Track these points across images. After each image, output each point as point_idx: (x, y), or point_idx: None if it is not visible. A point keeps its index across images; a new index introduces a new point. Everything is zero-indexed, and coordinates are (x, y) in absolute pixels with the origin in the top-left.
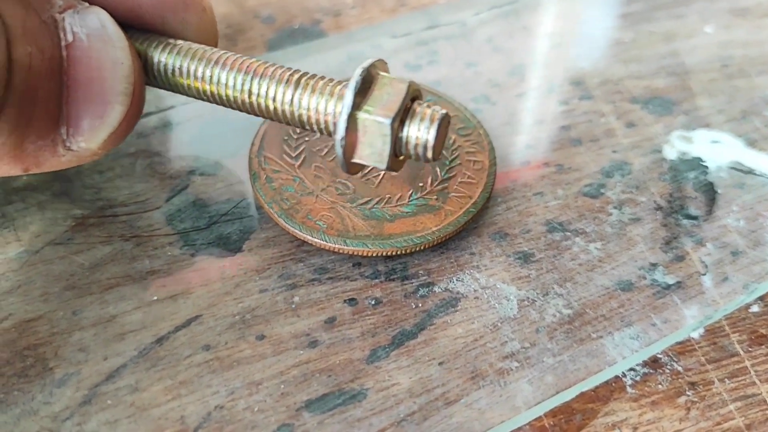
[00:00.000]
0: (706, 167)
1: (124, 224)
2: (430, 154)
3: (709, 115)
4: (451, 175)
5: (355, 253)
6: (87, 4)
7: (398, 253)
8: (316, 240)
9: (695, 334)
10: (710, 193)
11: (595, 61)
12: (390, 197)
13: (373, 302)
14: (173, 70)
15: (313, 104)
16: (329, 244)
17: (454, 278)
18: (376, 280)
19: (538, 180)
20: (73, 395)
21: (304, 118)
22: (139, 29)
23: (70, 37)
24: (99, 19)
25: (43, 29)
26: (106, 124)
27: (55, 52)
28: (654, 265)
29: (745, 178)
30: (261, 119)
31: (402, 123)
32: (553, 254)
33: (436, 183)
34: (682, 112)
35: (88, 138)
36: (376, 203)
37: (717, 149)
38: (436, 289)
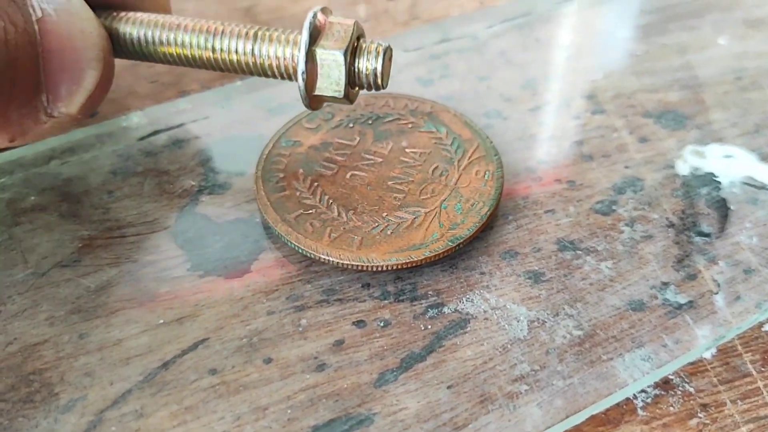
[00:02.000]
0: (719, 183)
1: (132, 245)
2: (380, 81)
3: (722, 129)
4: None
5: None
6: None
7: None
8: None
9: (707, 354)
10: (723, 209)
11: (608, 74)
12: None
13: (381, 324)
14: (139, 40)
15: (272, 52)
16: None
17: (464, 298)
18: (385, 301)
19: (549, 197)
20: (78, 421)
21: (266, 65)
22: (101, 6)
23: (39, 13)
24: None
25: (13, 6)
26: (82, 88)
27: (28, 26)
28: (666, 284)
29: (759, 194)
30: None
31: (353, 57)
32: (563, 273)
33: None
34: (695, 126)
35: (68, 103)
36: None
37: (730, 164)
38: (445, 310)
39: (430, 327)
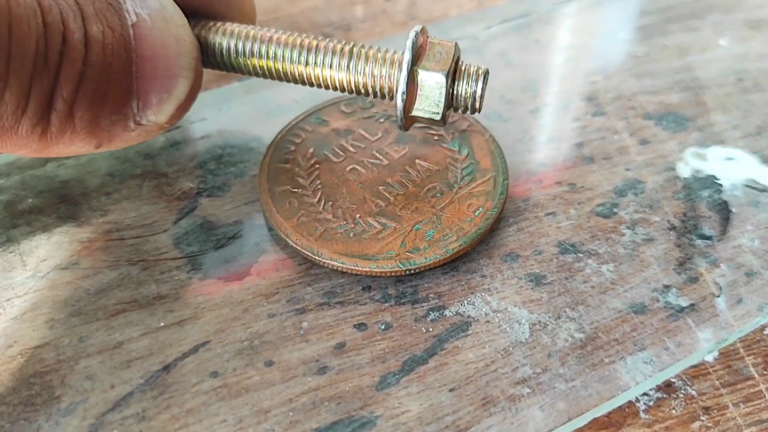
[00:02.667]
0: (721, 185)
1: (131, 248)
2: (478, 105)
3: (723, 131)
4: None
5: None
6: None
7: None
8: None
9: (709, 357)
10: (724, 212)
11: (609, 75)
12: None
13: (383, 327)
14: (230, 50)
15: (368, 70)
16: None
17: (465, 301)
18: (386, 304)
19: (550, 199)
20: (79, 425)
21: (360, 83)
22: (190, 15)
23: (134, 18)
24: (159, 0)
25: (110, 9)
26: (173, 97)
27: (124, 30)
28: (667, 287)
29: (760, 197)
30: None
31: (453, 79)
32: (565, 276)
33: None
34: (696, 128)
35: (157, 111)
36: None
37: (731, 167)
38: (446, 312)
39: (431, 330)
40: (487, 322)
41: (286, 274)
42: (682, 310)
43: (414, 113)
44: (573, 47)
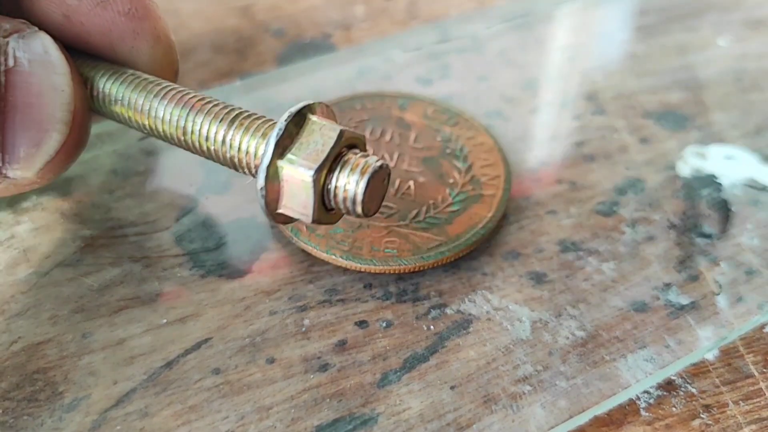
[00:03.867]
0: (720, 184)
1: (134, 245)
2: (359, 209)
3: (723, 130)
4: (465, 192)
5: (368, 270)
6: (35, 29)
7: (409, 271)
8: (326, 255)
9: (710, 356)
10: (724, 210)
11: (609, 74)
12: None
13: (384, 324)
14: (114, 100)
15: (243, 145)
16: (342, 261)
17: (467, 299)
18: (388, 302)
19: (551, 198)
20: (82, 420)
21: (236, 160)
22: (91, 56)
23: (11, 62)
24: (42, 45)
25: None
26: (42, 152)
27: None
28: (668, 285)
29: (760, 195)
30: None
31: (331, 173)
32: (566, 274)
33: (447, 203)
34: (695, 127)
35: (24, 166)
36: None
37: (731, 165)
38: (448, 310)
39: (432, 328)
40: (489, 319)
41: (287, 271)
42: (682, 308)
43: (282, 210)
44: (573, 46)
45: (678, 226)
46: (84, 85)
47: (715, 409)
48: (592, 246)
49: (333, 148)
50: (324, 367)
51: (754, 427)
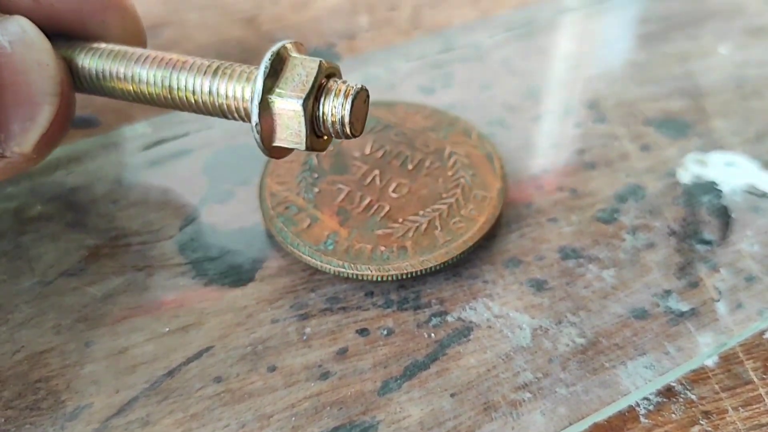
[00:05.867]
0: (720, 191)
1: (137, 254)
2: (348, 130)
3: (723, 137)
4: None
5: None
6: (8, 16)
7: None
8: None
9: (709, 362)
10: (724, 217)
11: (610, 82)
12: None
13: (385, 332)
14: (97, 74)
15: (230, 92)
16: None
17: (467, 307)
18: (389, 310)
19: (551, 205)
20: (84, 429)
21: (224, 107)
22: (63, 37)
23: None
24: (20, 25)
25: None
26: (36, 124)
27: None
28: (668, 292)
29: (760, 202)
30: None
31: (317, 101)
32: (566, 281)
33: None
34: (696, 134)
35: (21, 141)
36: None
37: (731, 172)
38: (448, 318)
39: (433, 335)
40: (489, 327)
41: (289, 280)
42: (682, 314)
43: (277, 143)
44: (575, 55)
45: (678, 232)
46: (64, 60)
47: (714, 415)
48: (592, 253)
49: (316, 77)
50: (325, 375)
51: None
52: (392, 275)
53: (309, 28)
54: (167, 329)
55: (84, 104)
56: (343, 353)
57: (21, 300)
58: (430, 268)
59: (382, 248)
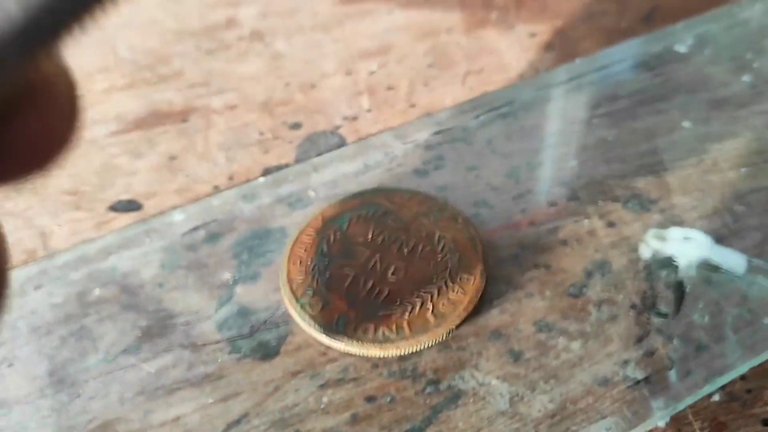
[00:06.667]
0: (677, 266)
1: (182, 333)
2: None
3: (683, 213)
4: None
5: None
6: None
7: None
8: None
9: (661, 423)
10: (679, 290)
11: (582, 161)
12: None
13: (388, 399)
14: None
15: None
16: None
17: (457, 376)
18: (391, 379)
19: (528, 281)
20: None
21: None
22: None
23: None
24: None
25: None
26: None
27: None
28: (627, 362)
29: (711, 275)
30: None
31: None
32: (540, 353)
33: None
34: (658, 210)
35: None
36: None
37: (688, 246)
38: (440, 386)
39: (428, 402)
40: (475, 394)
41: (308, 354)
42: (638, 382)
43: None
44: (552, 133)
45: (638, 306)
46: None
47: None
48: (562, 326)
49: None
50: None
51: None
52: (393, 355)
53: (317, 111)
54: (211, 400)
55: (124, 189)
56: (355, 419)
57: (90, 375)
58: (425, 345)
59: (384, 329)
